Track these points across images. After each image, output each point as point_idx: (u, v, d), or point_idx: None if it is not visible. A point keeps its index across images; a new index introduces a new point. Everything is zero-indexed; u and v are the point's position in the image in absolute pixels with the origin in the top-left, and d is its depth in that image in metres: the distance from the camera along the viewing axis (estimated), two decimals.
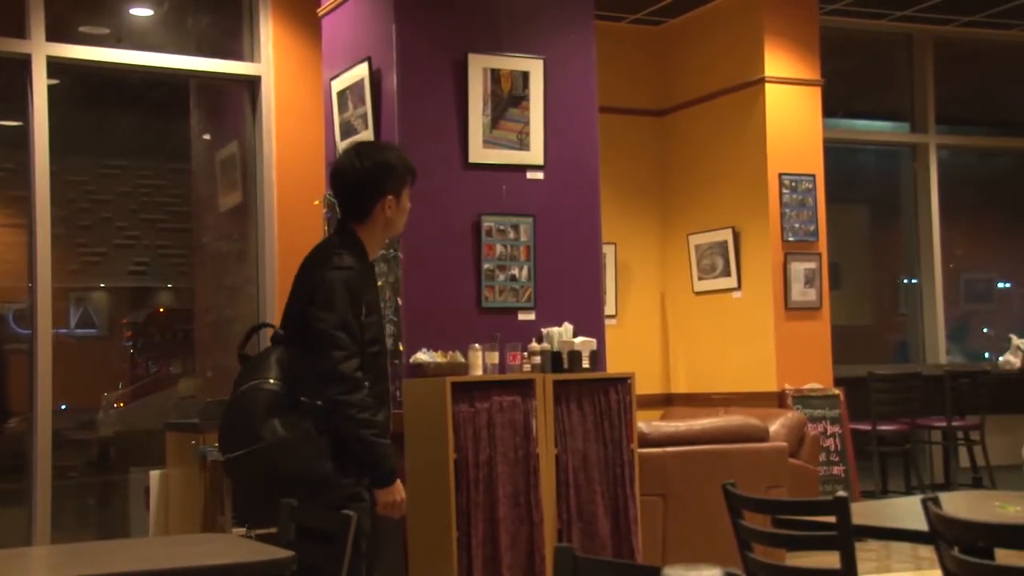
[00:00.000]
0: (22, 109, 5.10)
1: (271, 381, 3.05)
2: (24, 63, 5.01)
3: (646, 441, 4.81)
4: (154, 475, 4.73)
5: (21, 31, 5.01)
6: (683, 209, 7.13)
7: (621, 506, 4.39)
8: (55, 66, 5.09)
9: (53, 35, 5.07)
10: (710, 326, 6.90)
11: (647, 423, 5.03)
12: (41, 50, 5.03)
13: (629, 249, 7.09)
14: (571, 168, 4.89)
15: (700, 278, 6.96)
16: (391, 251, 4.61)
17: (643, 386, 4.86)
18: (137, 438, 6.83)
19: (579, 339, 4.62)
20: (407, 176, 3.23)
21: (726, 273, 6.79)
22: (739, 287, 6.73)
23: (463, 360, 4.44)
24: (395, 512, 3.12)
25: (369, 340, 3.10)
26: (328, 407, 3.01)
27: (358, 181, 3.16)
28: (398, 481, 3.10)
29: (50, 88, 5.08)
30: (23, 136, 5.16)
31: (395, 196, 3.19)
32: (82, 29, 5.60)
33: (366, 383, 3.04)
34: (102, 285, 8.31)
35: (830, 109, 7.06)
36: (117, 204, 7.79)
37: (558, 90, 4.86)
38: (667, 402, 7.08)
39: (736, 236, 6.73)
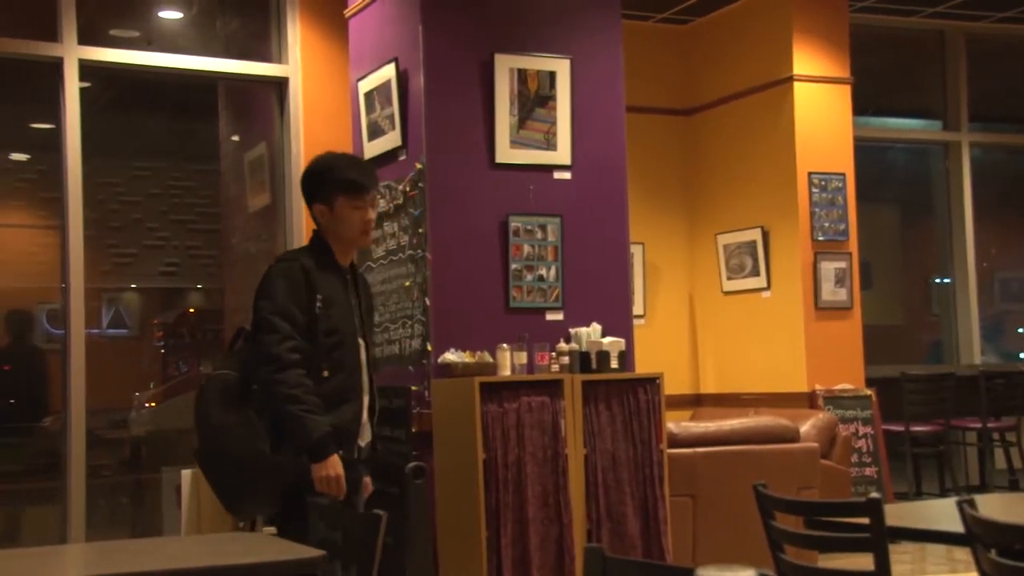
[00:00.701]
0: (54, 112, 5.15)
1: (227, 372, 3.22)
2: (56, 66, 5.06)
3: (675, 441, 4.79)
4: (186, 474, 4.75)
5: (53, 35, 5.06)
6: (711, 209, 7.10)
7: (651, 507, 4.37)
8: (87, 69, 5.14)
9: (85, 38, 5.12)
10: (739, 326, 6.87)
11: (676, 423, 5.01)
12: (73, 53, 5.07)
13: (657, 249, 7.06)
14: (598, 168, 4.88)
15: (729, 278, 6.92)
16: (418, 251, 4.62)
17: (672, 386, 4.84)
18: (168, 437, 6.88)
19: (607, 339, 4.61)
20: (336, 185, 3.29)
21: (755, 273, 6.75)
22: (768, 287, 6.69)
23: (491, 360, 4.44)
24: (332, 489, 3.17)
25: (326, 331, 3.21)
26: (261, 387, 3.16)
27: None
28: (334, 457, 3.15)
29: (82, 91, 5.12)
30: (55, 139, 5.21)
31: (325, 205, 3.30)
32: (113, 32, 5.65)
33: (299, 367, 3.14)
34: (133, 286, 8.37)
35: (860, 107, 7.00)
36: (147, 205, 7.84)
37: (585, 90, 4.85)
38: (696, 402, 7.05)
39: (765, 235, 6.69)
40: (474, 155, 4.66)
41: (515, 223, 4.69)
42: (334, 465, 3.15)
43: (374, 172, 3.46)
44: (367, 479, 3.45)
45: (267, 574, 2.75)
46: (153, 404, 7.65)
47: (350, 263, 3.40)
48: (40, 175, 7.54)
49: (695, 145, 7.22)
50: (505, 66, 4.70)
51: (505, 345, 4.46)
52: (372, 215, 3.32)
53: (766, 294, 6.71)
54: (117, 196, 7.53)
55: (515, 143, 4.72)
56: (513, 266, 4.68)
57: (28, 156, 7.72)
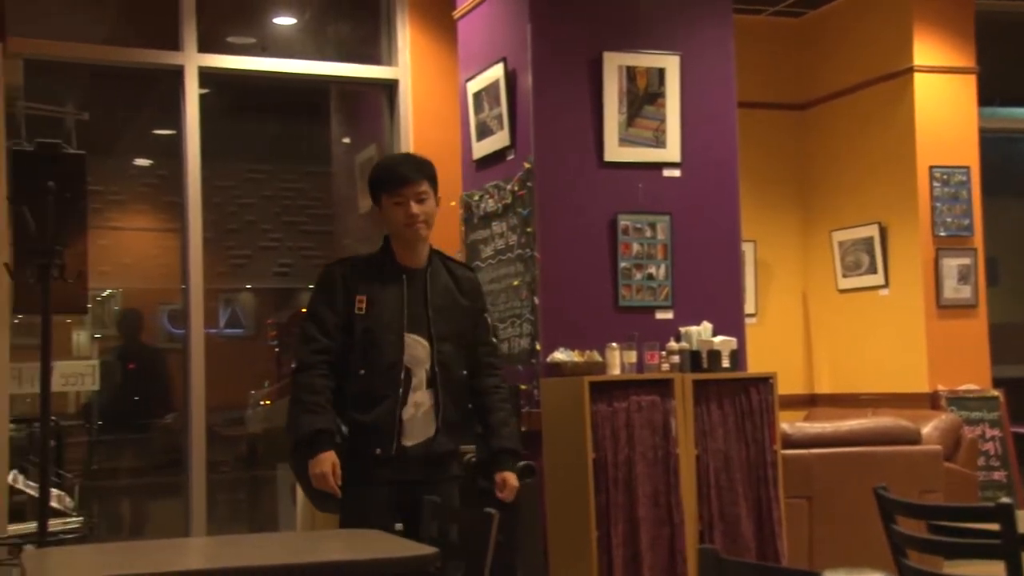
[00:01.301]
0: (175, 118, 5.31)
1: None
2: (177, 74, 5.22)
3: (790, 442, 4.69)
4: None
5: (175, 44, 5.22)
6: (825, 205, 6.93)
7: (765, 508, 4.29)
8: (206, 76, 5.29)
9: (204, 47, 5.27)
10: (855, 325, 6.69)
11: (790, 424, 4.90)
12: (193, 61, 5.23)
13: (769, 246, 6.92)
14: (709, 165, 4.81)
15: (844, 275, 6.75)
16: (527, 250, 4.63)
17: (785, 386, 4.72)
18: (283, 435, 7.01)
19: (718, 338, 4.54)
20: (377, 184, 3.35)
21: (872, 270, 6.57)
22: (886, 284, 6.50)
23: (600, 359, 4.41)
24: (321, 486, 3.21)
25: (363, 330, 3.26)
26: None
27: None
28: (321, 455, 3.18)
29: (200, 97, 5.27)
30: (176, 144, 5.37)
31: (376, 205, 3.39)
32: (230, 39, 5.80)
33: (319, 368, 3.23)
34: (248, 286, 8.57)
35: (986, 98, 6.74)
36: (261, 207, 8.03)
37: (695, 86, 4.79)
38: (810, 402, 6.89)
39: (883, 232, 6.50)
40: (582, 154, 4.64)
41: (624, 221, 4.66)
42: (319, 463, 3.18)
43: (417, 166, 3.35)
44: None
45: (381, 571, 2.78)
46: (268, 402, 7.83)
47: (428, 260, 3.36)
48: (161, 180, 7.78)
49: (809, 140, 7.06)
50: (614, 64, 4.67)
51: (614, 344, 4.44)
52: (416, 208, 3.27)
53: (884, 292, 6.52)
54: (233, 199, 7.74)
55: (624, 141, 4.68)
56: (622, 265, 4.65)
57: (151, 161, 7.99)
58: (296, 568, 2.63)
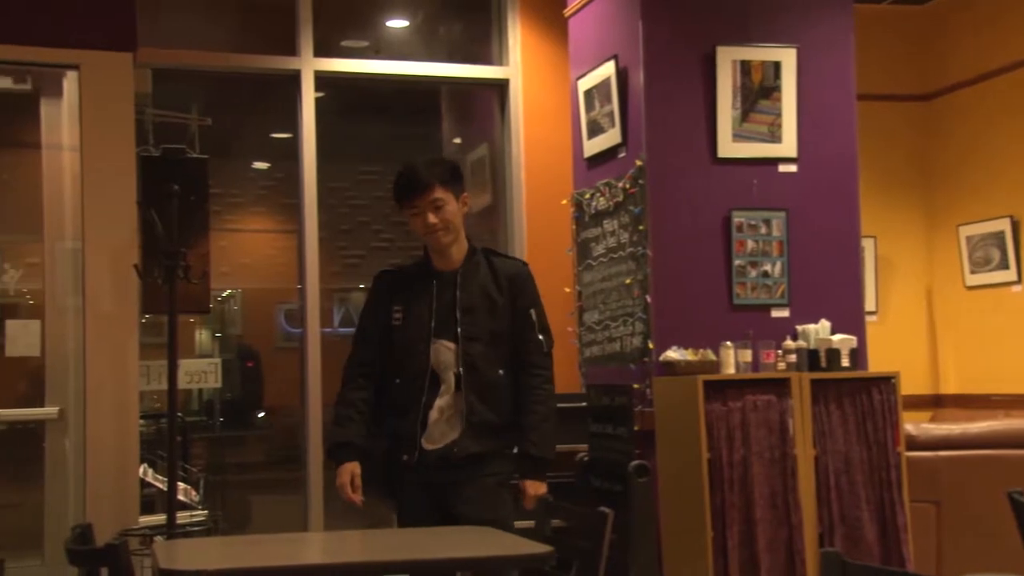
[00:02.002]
0: (292, 122, 5.43)
1: None
2: (294, 78, 5.34)
3: (914, 444, 4.55)
4: None
5: (292, 49, 5.34)
6: (952, 199, 6.69)
7: (888, 512, 4.17)
8: (321, 79, 5.40)
9: (320, 51, 5.38)
10: (985, 323, 6.44)
11: (915, 425, 4.75)
12: (309, 66, 5.34)
13: (890, 242, 6.72)
14: (827, 159, 4.71)
15: (972, 271, 6.51)
16: (639, 248, 4.60)
17: (908, 386, 4.59)
18: None
19: (837, 336, 4.44)
20: (396, 198, 3.33)
21: (1003, 266, 6.32)
22: (1019, 280, 6.25)
23: (714, 358, 4.36)
24: (340, 494, 3.32)
25: (397, 340, 3.32)
26: None
27: None
28: (342, 467, 3.29)
29: (316, 100, 5.38)
30: (292, 147, 5.50)
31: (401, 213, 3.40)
32: (344, 43, 5.91)
33: (355, 380, 3.33)
34: (361, 286, 8.72)
35: None
36: (374, 208, 8.16)
37: (812, 79, 4.69)
38: (936, 403, 6.68)
39: (1015, 225, 6.25)
40: (695, 150, 4.59)
41: (738, 218, 4.59)
42: (339, 474, 3.30)
43: (428, 172, 3.27)
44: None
45: (496, 568, 2.80)
46: None
47: (464, 261, 3.32)
48: (278, 182, 7.98)
49: (934, 131, 6.82)
50: (727, 58, 4.60)
51: (729, 343, 4.38)
52: (433, 218, 3.23)
53: (1016, 288, 6.27)
54: (346, 200, 7.89)
55: (738, 136, 4.62)
56: (736, 262, 4.58)
57: (268, 164, 8.20)
58: (413, 564, 2.66)
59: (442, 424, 3.29)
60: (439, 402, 3.29)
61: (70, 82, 4.75)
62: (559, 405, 4.62)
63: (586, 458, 4.60)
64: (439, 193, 3.26)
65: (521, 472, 3.32)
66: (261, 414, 8.06)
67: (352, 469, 3.27)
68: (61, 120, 4.92)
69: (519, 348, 3.33)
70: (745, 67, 4.62)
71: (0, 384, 5.11)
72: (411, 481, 3.31)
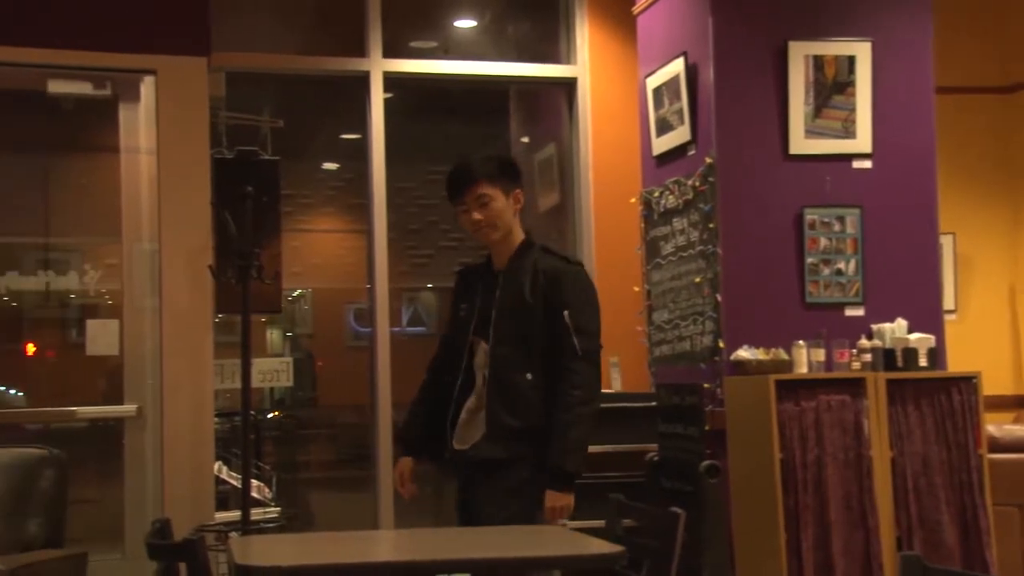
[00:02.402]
0: (361, 123, 5.48)
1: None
2: (363, 80, 5.38)
3: (997, 446, 4.45)
4: None
5: (361, 51, 5.39)
6: None
7: (970, 515, 4.08)
8: (390, 80, 5.43)
9: (388, 52, 5.42)
10: None
11: (998, 427, 4.65)
12: (378, 67, 5.38)
13: (971, 239, 6.55)
14: (903, 155, 4.62)
15: None
16: (709, 247, 4.56)
17: (990, 386, 4.47)
18: None
19: (914, 335, 4.36)
20: (447, 193, 3.34)
21: None
22: None
23: (787, 357, 4.31)
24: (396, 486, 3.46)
25: (448, 338, 3.40)
26: None
27: None
28: (398, 460, 3.43)
29: (385, 101, 5.42)
30: (362, 148, 5.54)
31: None
32: (413, 44, 5.94)
33: (429, 377, 3.41)
34: (429, 285, 8.78)
35: None
36: (442, 208, 8.20)
37: (888, 73, 4.60)
38: (1020, 404, 6.50)
39: None
40: (767, 147, 4.54)
41: (811, 216, 4.52)
42: (394, 467, 3.49)
43: (472, 169, 3.23)
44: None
45: (567, 567, 2.79)
46: None
47: (510, 260, 3.27)
48: (347, 183, 8.07)
49: (1018, 124, 6.64)
50: (800, 53, 4.54)
51: (801, 342, 4.32)
52: (478, 214, 3.21)
53: None
54: (414, 200, 7.94)
55: (810, 133, 4.55)
56: (809, 260, 4.52)
57: (338, 165, 8.29)
58: (482, 562, 2.67)
59: (470, 425, 3.25)
60: (467, 403, 3.26)
61: (147, 87, 4.85)
62: (619, 405, 4.66)
63: (656, 458, 4.57)
64: (485, 189, 3.20)
65: (547, 482, 3.15)
66: (331, 413, 8.15)
67: (405, 463, 3.37)
68: (139, 124, 5.03)
69: (554, 351, 3.16)
70: (818, 62, 4.56)
71: (81, 382, 5.24)
72: (452, 478, 3.40)
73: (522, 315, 3.19)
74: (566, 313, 3.15)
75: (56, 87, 4.81)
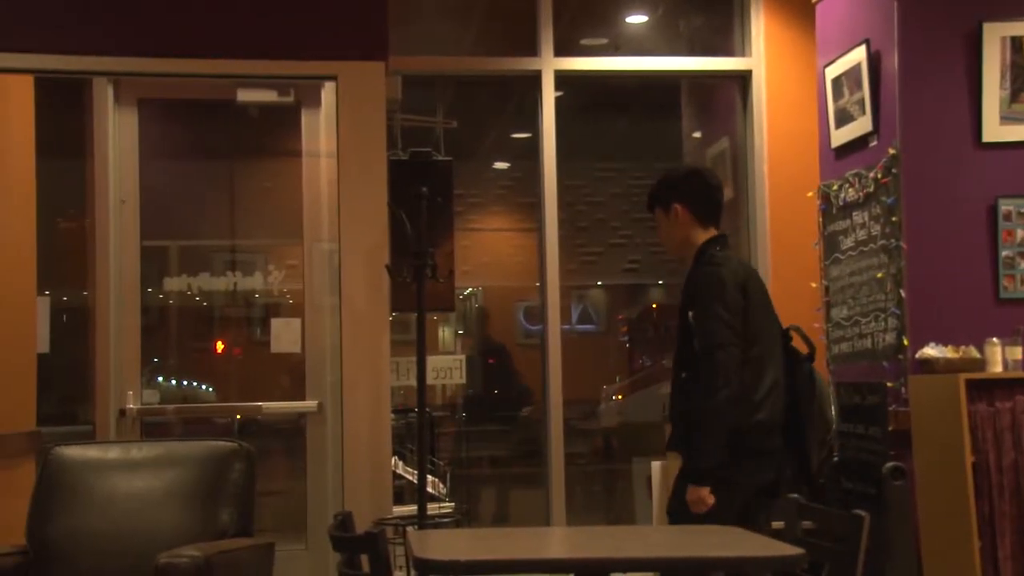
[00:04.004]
0: (532, 122, 5.51)
1: None
2: (535, 79, 5.41)
3: None
4: (655, 465, 4.87)
5: (533, 50, 5.42)
6: None
7: None
8: (560, 79, 5.44)
9: (560, 50, 5.43)
10: None
11: None
12: (549, 66, 5.40)
13: None
14: None
15: None
16: (891, 241, 4.38)
17: None
18: (636, 429, 7.10)
19: None
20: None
21: None
22: None
23: (978, 356, 4.10)
24: None
25: None
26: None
27: None
28: None
29: (556, 99, 5.44)
30: (532, 146, 5.58)
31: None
32: (583, 42, 5.94)
33: None
34: (599, 283, 8.76)
35: None
36: (612, 205, 8.18)
37: None
38: None
39: None
40: (956, 135, 4.33)
41: (1006, 206, 4.29)
42: None
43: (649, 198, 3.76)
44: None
45: (745, 569, 2.73)
46: (620, 397, 7.95)
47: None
48: (516, 181, 8.14)
49: None
50: (995, 35, 4.30)
51: (995, 339, 4.10)
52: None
53: None
54: (583, 198, 7.94)
55: (1006, 119, 4.31)
56: (1004, 253, 4.28)
57: (508, 164, 8.37)
58: (661, 561, 2.65)
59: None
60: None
61: (328, 92, 5.02)
62: None
63: (836, 458, 4.43)
64: (656, 214, 3.64)
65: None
66: (503, 410, 8.24)
67: None
68: (319, 129, 5.21)
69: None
70: (1016, 43, 4.31)
71: (266, 379, 5.47)
72: None
73: (681, 318, 3.54)
74: (690, 314, 3.45)
75: (244, 96, 5.04)
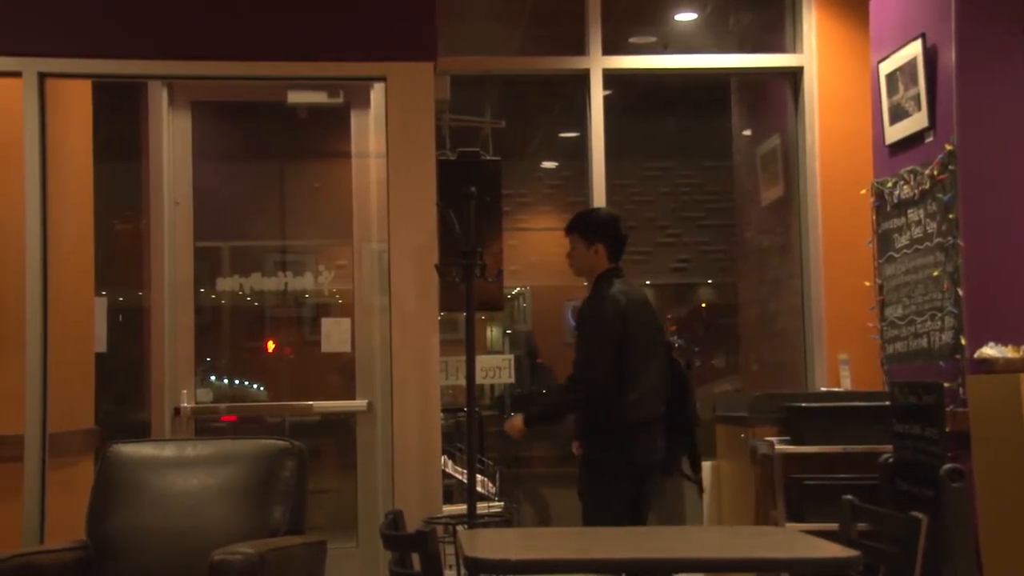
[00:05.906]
0: (581, 120, 5.50)
1: None
2: (583, 78, 5.39)
3: None
4: (706, 466, 4.84)
5: (581, 49, 5.40)
6: None
7: None
8: (608, 77, 5.42)
9: (608, 49, 5.41)
10: None
11: None
12: (598, 64, 5.38)
13: None
14: None
15: None
16: (948, 239, 4.31)
17: None
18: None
19: None
20: None
21: None
22: None
23: None
24: None
25: None
26: None
27: None
28: None
29: (604, 98, 5.42)
30: (580, 146, 5.56)
31: None
32: (632, 40, 5.91)
33: None
34: (648, 282, 8.72)
35: None
36: (659, 204, 8.14)
37: None
38: None
39: None
40: (1016, 130, 4.24)
41: None
42: None
43: None
44: None
45: (799, 570, 2.70)
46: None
47: None
48: (565, 181, 8.12)
49: None
50: None
51: None
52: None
53: None
54: (631, 196, 7.91)
55: None
56: None
57: (556, 163, 8.37)
58: (711, 562, 2.62)
59: None
60: None
61: (377, 93, 5.04)
62: (849, 404, 4.66)
63: (890, 459, 4.36)
64: (574, 239, 4.37)
65: None
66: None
67: None
68: (368, 129, 5.24)
69: None
70: None
71: (317, 378, 5.50)
72: None
73: None
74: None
75: (295, 97, 5.08)
